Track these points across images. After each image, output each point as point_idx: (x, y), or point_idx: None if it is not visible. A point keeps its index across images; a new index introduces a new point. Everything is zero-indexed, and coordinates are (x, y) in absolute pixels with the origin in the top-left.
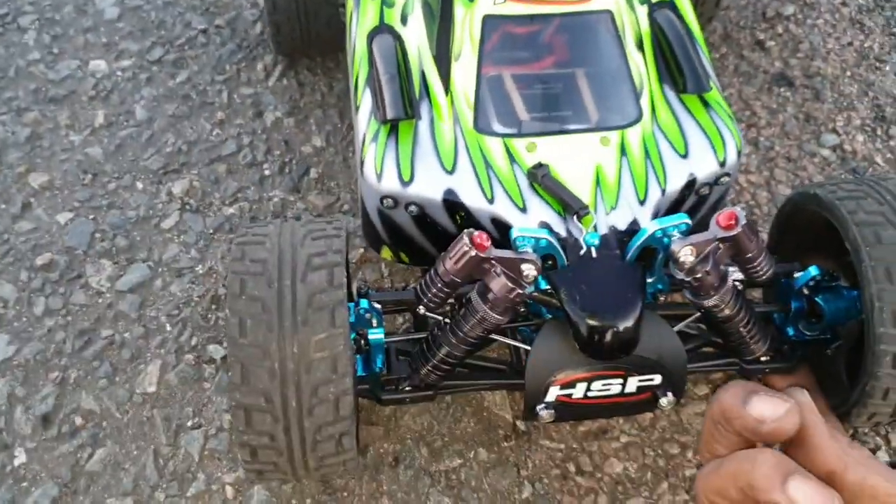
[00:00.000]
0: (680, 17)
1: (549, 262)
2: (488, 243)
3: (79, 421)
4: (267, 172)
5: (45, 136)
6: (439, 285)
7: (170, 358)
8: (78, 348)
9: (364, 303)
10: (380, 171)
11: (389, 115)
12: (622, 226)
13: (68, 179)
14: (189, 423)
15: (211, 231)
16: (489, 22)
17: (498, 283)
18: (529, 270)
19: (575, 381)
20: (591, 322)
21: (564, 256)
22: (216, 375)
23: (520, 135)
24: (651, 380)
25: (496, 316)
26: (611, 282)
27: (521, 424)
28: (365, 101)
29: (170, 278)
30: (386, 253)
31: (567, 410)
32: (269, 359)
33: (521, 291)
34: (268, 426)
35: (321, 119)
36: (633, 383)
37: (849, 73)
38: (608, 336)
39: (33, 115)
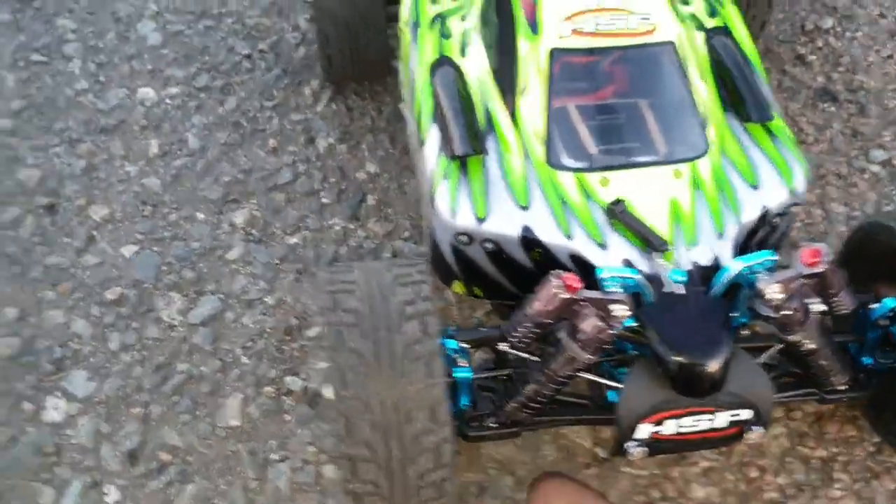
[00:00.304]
0: (736, 42)
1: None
2: (579, 285)
3: (165, 457)
4: (325, 201)
5: (100, 168)
6: (528, 325)
7: (249, 391)
8: (157, 383)
9: (451, 343)
10: (454, 208)
11: (458, 151)
12: (704, 262)
13: (128, 211)
14: (274, 457)
15: (276, 261)
16: (555, 56)
17: (589, 324)
18: (621, 311)
19: (666, 418)
20: (682, 361)
21: (650, 294)
22: (296, 407)
23: (592, 169)
24: (739, 415)
25: (586, 355)
26: (698, 320)
27: (601, 451)
28: (431, 136)
29: (241, 310)
30: (458, 287)
31: (657, 447)
32: (370, 411)
33: (611, 332)
34: (372, 475)
35: (373, 144)
36: (722, 418)
37: (892, 87)
38: (699, 375)
39: (87, 146)
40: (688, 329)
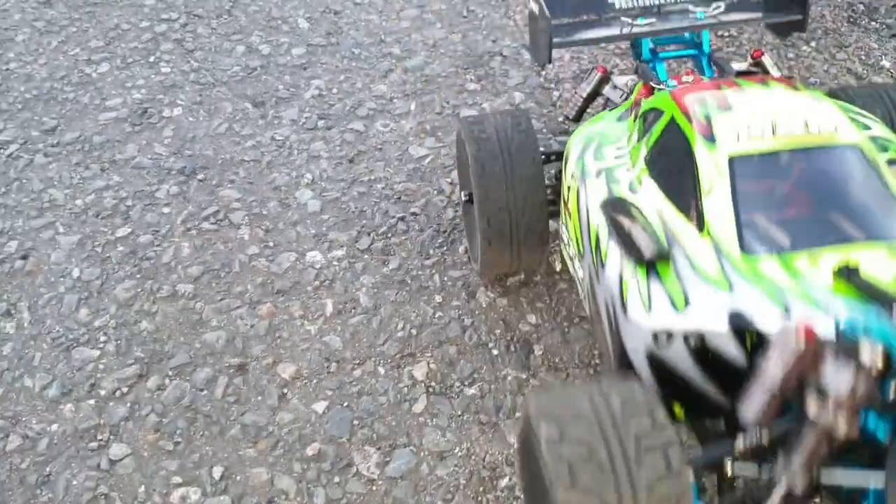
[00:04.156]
0: None
1: None
2: (817, 329)
3: None
4: (495, 352)
5: (282, 328)
6: (766, 397)
7: None
8: None
9: None
10: (648, 304)
11: (648, 253)
12: None
13: (314, 368)
14: None
15: (459, 412)
16: (736, 160)
17: (841, 376)
18: (873, 353)
19: None
20: None
21: None
22: None
23: (795, 249)
24: None
25: (844, 423)
26: None
27: None
28: (611, 254)
29: (433, 462)
30: None
31: None
32: None
33: (868, 385)
34: None
35: (530, 297)
36: None
37: None
38: None
39: (267, 308)
40: None
